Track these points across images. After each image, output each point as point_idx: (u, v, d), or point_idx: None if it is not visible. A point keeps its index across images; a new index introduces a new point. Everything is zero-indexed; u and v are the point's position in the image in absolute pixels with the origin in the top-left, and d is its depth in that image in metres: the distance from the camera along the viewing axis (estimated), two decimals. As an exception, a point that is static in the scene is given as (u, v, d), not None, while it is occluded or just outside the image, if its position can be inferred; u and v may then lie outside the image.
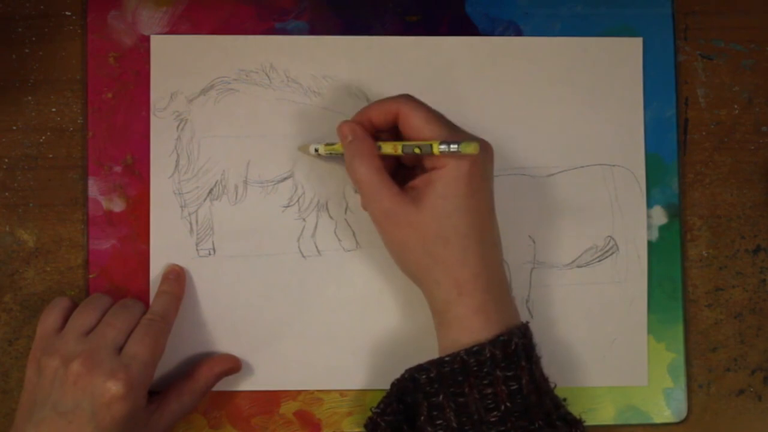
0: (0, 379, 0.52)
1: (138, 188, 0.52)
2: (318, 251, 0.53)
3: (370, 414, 0.45)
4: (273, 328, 0.52)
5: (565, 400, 0.45)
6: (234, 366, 0.51)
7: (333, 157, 0.52)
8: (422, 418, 0.43)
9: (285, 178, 0.53)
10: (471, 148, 0.42)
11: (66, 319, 0.48)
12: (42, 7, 0.53)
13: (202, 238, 0.52)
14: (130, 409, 0.45)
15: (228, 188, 0.52)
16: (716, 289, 0.54)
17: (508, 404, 0.42)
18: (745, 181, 0.54)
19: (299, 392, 0.52)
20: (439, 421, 0.42)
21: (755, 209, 0.54)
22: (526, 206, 0.53)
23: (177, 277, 0.51)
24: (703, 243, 0.54)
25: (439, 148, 0.43)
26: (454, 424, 0.42)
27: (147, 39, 0.53)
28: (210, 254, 0.52)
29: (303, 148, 0.52)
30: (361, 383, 0.52)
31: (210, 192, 0.52)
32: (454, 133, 0.44)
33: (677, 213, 0.54)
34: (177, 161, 0.52)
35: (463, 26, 0.54)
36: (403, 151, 0.44)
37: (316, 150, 0.50)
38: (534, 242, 0.53)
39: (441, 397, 0.43)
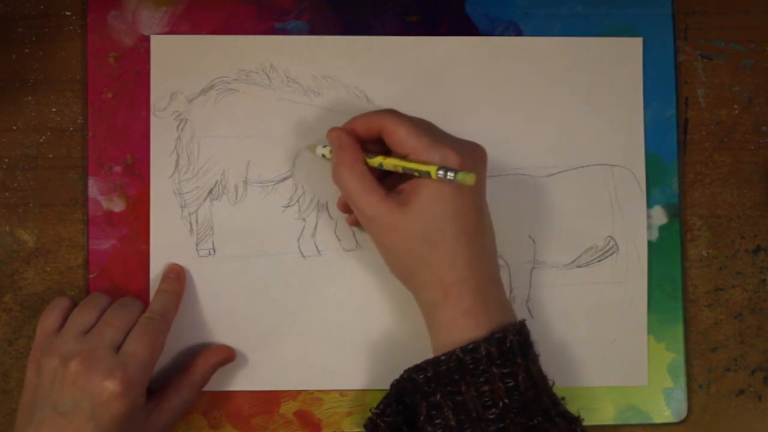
0: (0, 379, 0.52)
1: (138, 188, 0.52)
2: (318, 251, 0.53)
3: (369, 414, 0.45)
4: (273, 328, 0.52)
5: (563, 398, 0.45)
6: (228, 356, 0.51)
7: (333, 157, 0.52)
8: (422, 418, 0.43)
9: (285, 178, 0.53)
10: (468, 179, 0.42)
11: (66, 319, 0.49)
12: (42, 7, 0.53)
13: (202, 238, 0.52)
14: (129, 407, 0.45)
15: (228, 188, 0.52)
16: (716, 289, 0.54)
17: (506, 401, 0.42)
18: (745, 181, 0.54)
19: (299, 392, 0.52)
20: (438, 421, 0.43)
21: (755, 209, 0.54)
22: (526, 206, 0.53)
23: (177, 276, 0.51)
24: (703, 243, 0.54)
25: (437, 174, 0.43)
26: (453, 423, 0.42)
27: (147, 39, 0.53)
28: (210, 254, 0.52)
29: (311, 148, 0.52)
30: (361, 383, 0.52)
31: (210, 192, 0.52)
32: (437, 143, 0.44)
33: (677, 213, 0.54)
34: (177, 161, 0.52)
35: (463, 26, 0.54)
36: (403, 171, 0.45)
37: (323, 155, 0.50)
38: (534, 242, 0.53)
39: (438, 396, 0.43)
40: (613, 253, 0.53)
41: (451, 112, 0.52)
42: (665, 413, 0.53)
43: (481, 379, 0.42)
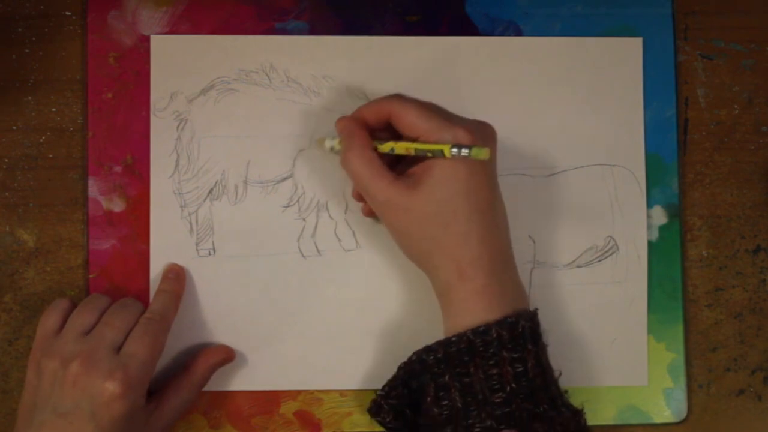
0: (0, 379, 0.52)
1: (138, 188, 0.52)
2: (318, 251, 0.53)
3: (374, 396, 0.45)
4: (273, 328, 0.52)
5: (566, 391, 0.45)
6: (228, 356, 0.51)
7: (335, 156, 0.52)
8: (428, 399, 0.43)
9: (285, 178, 0.53)
10: (483, 154, 0.42)
11: (66, 321, 0.48)
12: (42, 7, 0.53)
13: (202, 238, 0.52)
14: (129, 408, 0.45)
15: (228, 188, 0.52)
16: (716, 289, 0.54)
17: (513, 386, 0.42)
18: (745, 181, 0.54)
19: (299, 392, 0.52)
20: (444, 402, 0.43)
21: (755, 209, 0.54)
22: (526, 206, 0.53)
23: (177, 276, 0.51)
24: (703, 243, 0.54)
25: (450, 152, 0.43)
26: (459, 404, 0.42)
27: (147, 39, 0.53)
28: (210, 254, 0.52)
29: (319, 141, 0.52)
30: (361, 383, 0.52)
31: (210, 192, 0.52)
32: (448, 123, 0.44)
33: (677, 213, 0.54)
34: (177, 161, 0.52)
35: (463, 26, 0.54)
36: (416, 153, 0.45)
37: (332, 147, 0.50)
38: (534, 242, 0.53)
39: (447, 377, 0.43)
40: (613, 253, 0.53)
41: (452, 111, 0.52)
42: (665, 413, 0.53)
43: (491, 362, 0.42)
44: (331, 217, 0.53)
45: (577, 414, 0.44)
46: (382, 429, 0.49)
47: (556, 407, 0.43)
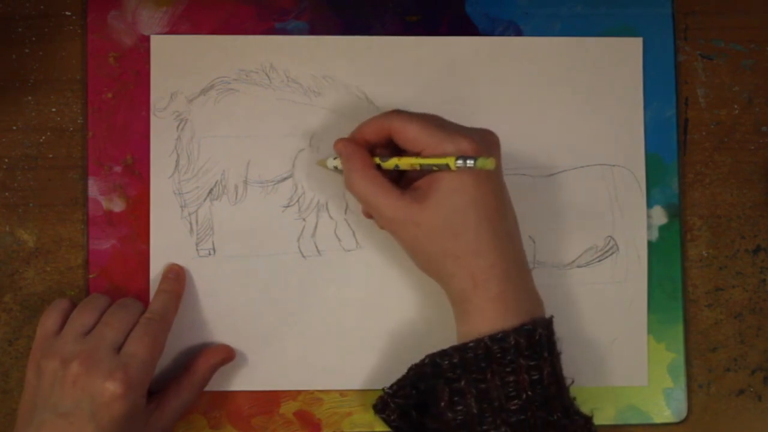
0: (0, 379, 0.52)
1: (138, 188, 0.52)
2: (318, 251, 0.53)
3: (381, 393, 0.45)
4: (273, 328, 0.52)
5: (575, 398, 0.45)
6: (228, 355, 0.51)
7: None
8: (442, 404, 0.43)
9: (285, 178, 0.53)
10: (488, 164, 0.42)
11: (65, 321, 0.48)
12: (42, 7, 0.53)
13: (202, 238, 0.52)
14: (130, 408, 0.45)
15: (228, 188, 0.52)
16: (716, 289, 0.54)
17: (529, 393, 0.42)
18: (745, 181, 0.54)
19: (299, 392, 0.52)
20: (459, 407, 0.43)
21: (755, 209, 0.54)
22: (526, 206, 0.53)
23: (177, 276, 0.51)
24: (703, 243, 0.54)
25: (456, 164, 0.43)
26: (475, 410, 0.42)
27: (147, 39, 0.53)
28: (210, 254, 0.52)
29: (321, 162, 0.52)
30: (361, 383, 0.52)
31: (210, 192, 0.52)
32: (450, 135, 0.44)
33: (677, 213, 0.54)
34: (177, 161, 0.52)
35: (463, 26, 0.54)
36: (422, 168, 0.45)
37: (336, 167, 0.50)
38: (534, 242, 0.53)
39: (463, 382, 0.43)
40: (613, 253, 0.53)
41: (452, 112, 0.52)
42: (665, 413, 0.53)
43: (507, 369, 0.42)
44: (331, 217, 0.53)
45: (588, 421, 0.44)
46: (383, 430, 0.49)
47: (569, 415, 0.43)
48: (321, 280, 0.52)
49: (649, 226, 0.53)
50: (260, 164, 0.52)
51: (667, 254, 0.53)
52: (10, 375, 0.52)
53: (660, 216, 0.54)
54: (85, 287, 0.52)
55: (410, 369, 0.45)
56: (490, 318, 0.44)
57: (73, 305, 0.50)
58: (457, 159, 0.43)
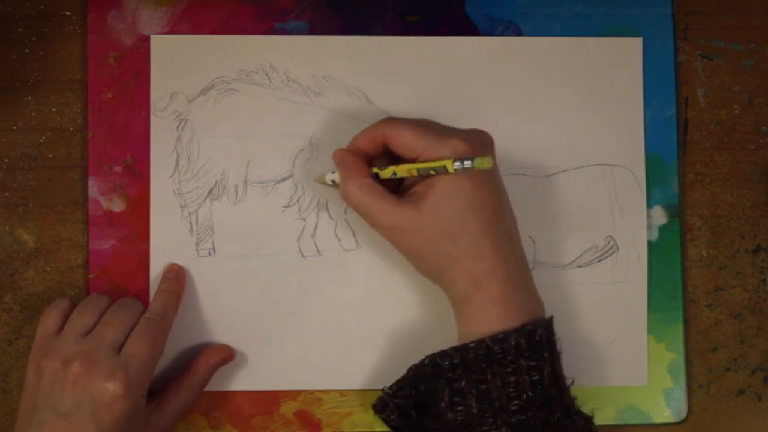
0: (0, 379, 0.52)
1: (138, 188, 0.52)
2: (318, 251, 0.53)
3: (381, 393, 0.45)
4: (273, 328, 0.52)
5: (575, 398, 0.45)
6: (228, 355, 0.51)
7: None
8: (442, 404, 0.43)
9: (285, 178, 0.53)
10: (485, 163, 0.42)
11: (65, 321, 0.48)
12: (42, 7, 0.53)
13: (202, 238, 0.52)
14: (130, 408, 0.45)
15: (228, 188, 0.52)
16: (716, 289, 0.54)
17: (530, 394, 0.42)
18: (745, 181, 0.54)
19: (299, 392, 0.52)
20: (460, 408, 0.43)
21: (755, 209, 0.54)
22: (526, 206, 0.53)
23: (177, 276, 0.51)
24: (703, 243, 0.54)
25: (453, 166, 0.43)
26: (475, 411, 0.42)
27: (147, 39, 0.53)
28: (210, 254, 0.52)
29: (320, 179, 0.52)
30: (361, 383, 0.52)
31: (210, 192, 0.52)
32: (444, 137, 0.44)
33: (677, 213, 0.54)
34: (177, 161, 0.52)
35: (463, 26, 0.54)
36: (419, 173, 0.45)
37: (333, 181, 0.50)
38: (534, 242, 0.53)
39: (463, 383, 0.43)
40: (613, 253, 0.53)
41: (452, 112, 0.52)
42: (665, 413, 0.53)
43: (508, 370, 0.42)
44: (331, 217, 0.53)
45: (588, 421, 0.44)
46: (382, 430, 0.49)
47: (570, 416, 0.43)
48: (321, 280, 0.52)
49: (649, 226, 0.53)
50: (260, 164, 0.52)
51: (667, 254, 0.53)
52: (10, 375, 0.52)
53: (660, 216, 0.54)
54: (85, 287, 0.52)
55: (410, 369, 0.45)
56: (491, 319, 0.44)
57: (73, 305, 0.50)
58: (455, 161, 0.43)
